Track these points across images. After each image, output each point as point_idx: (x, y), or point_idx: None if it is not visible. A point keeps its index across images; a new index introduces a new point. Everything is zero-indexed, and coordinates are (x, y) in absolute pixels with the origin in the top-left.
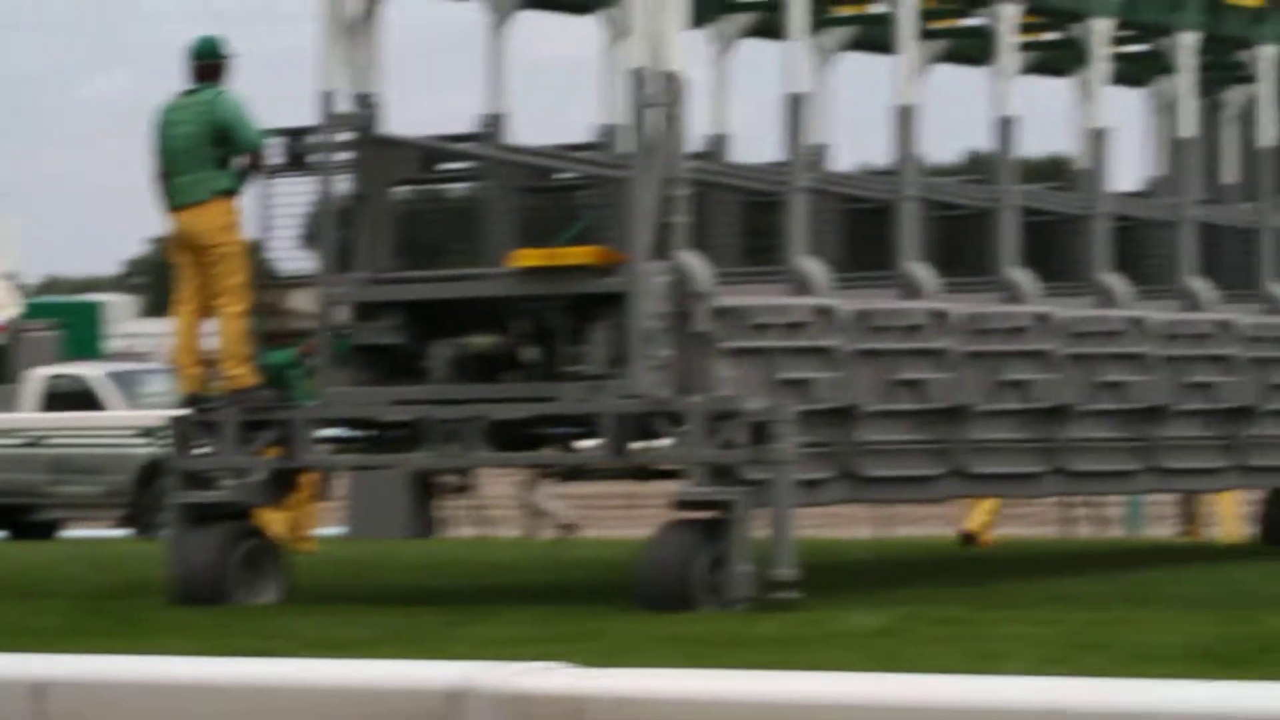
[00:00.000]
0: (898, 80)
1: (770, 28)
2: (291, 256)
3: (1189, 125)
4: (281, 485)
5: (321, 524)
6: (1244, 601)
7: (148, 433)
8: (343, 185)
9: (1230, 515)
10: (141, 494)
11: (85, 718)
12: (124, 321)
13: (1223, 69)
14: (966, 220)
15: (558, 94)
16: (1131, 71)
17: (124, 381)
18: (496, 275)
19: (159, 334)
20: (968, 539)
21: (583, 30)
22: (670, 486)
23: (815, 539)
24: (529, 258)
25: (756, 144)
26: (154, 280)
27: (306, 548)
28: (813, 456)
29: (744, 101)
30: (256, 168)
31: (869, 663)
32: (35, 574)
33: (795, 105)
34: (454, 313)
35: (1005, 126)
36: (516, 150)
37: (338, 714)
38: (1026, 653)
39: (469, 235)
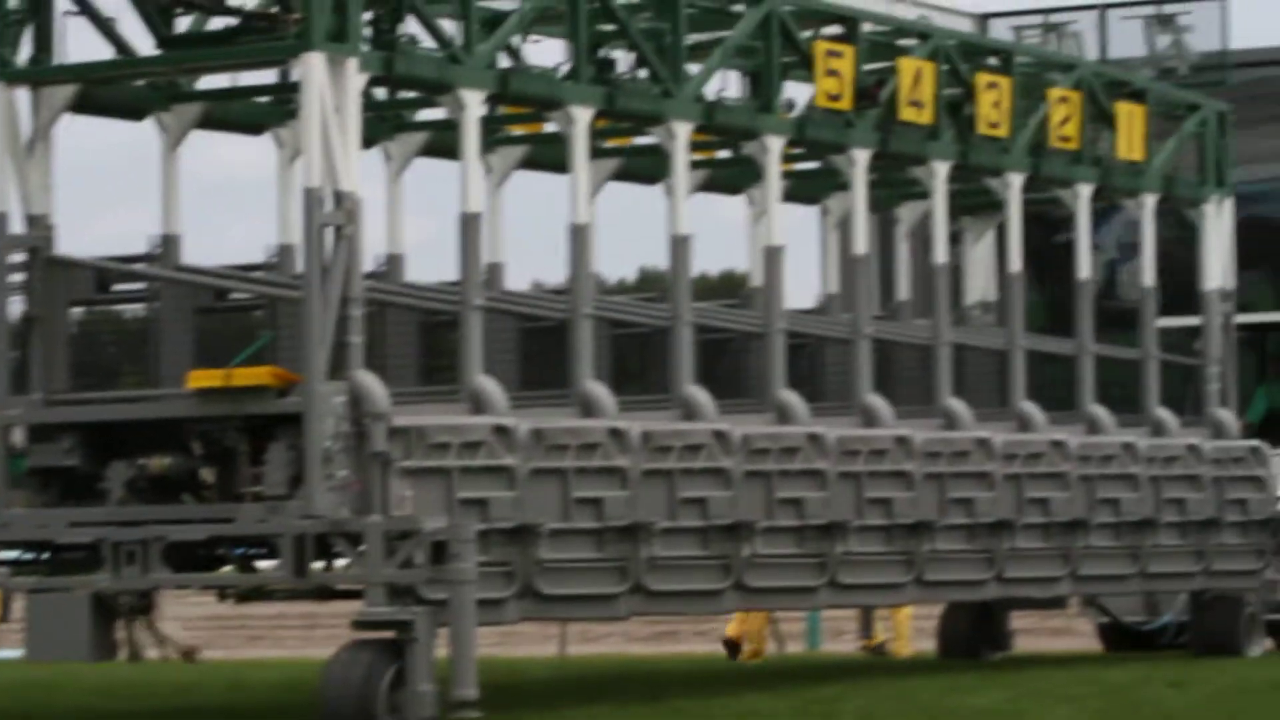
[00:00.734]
0: (571, 199)
1: (444, 147)
2: None
3: (862, 242)
4: None
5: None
6: (923, 715)
7: None
8: (16, 307)
9: (907, 629)
10: None
11: None
12: None
13: (895, 185)
14: (643, 338)
15: (232, 214)
16: (805, 189)
17: None
18: (173, 396)
19: None
20: (731, 646)
21: (257, 151)
22: (351, 606)
23: (495, 658)
24: (205, 379)
25: (432, 263)
26: None
27: None
28: (493, 575)
29: (418, 220)
30: None
31: None
32: None
33: (469, 224)
34: (131, 434)
35: (679, 244)
36: (191, 271)
37: None
38: None
39: (145, 356)
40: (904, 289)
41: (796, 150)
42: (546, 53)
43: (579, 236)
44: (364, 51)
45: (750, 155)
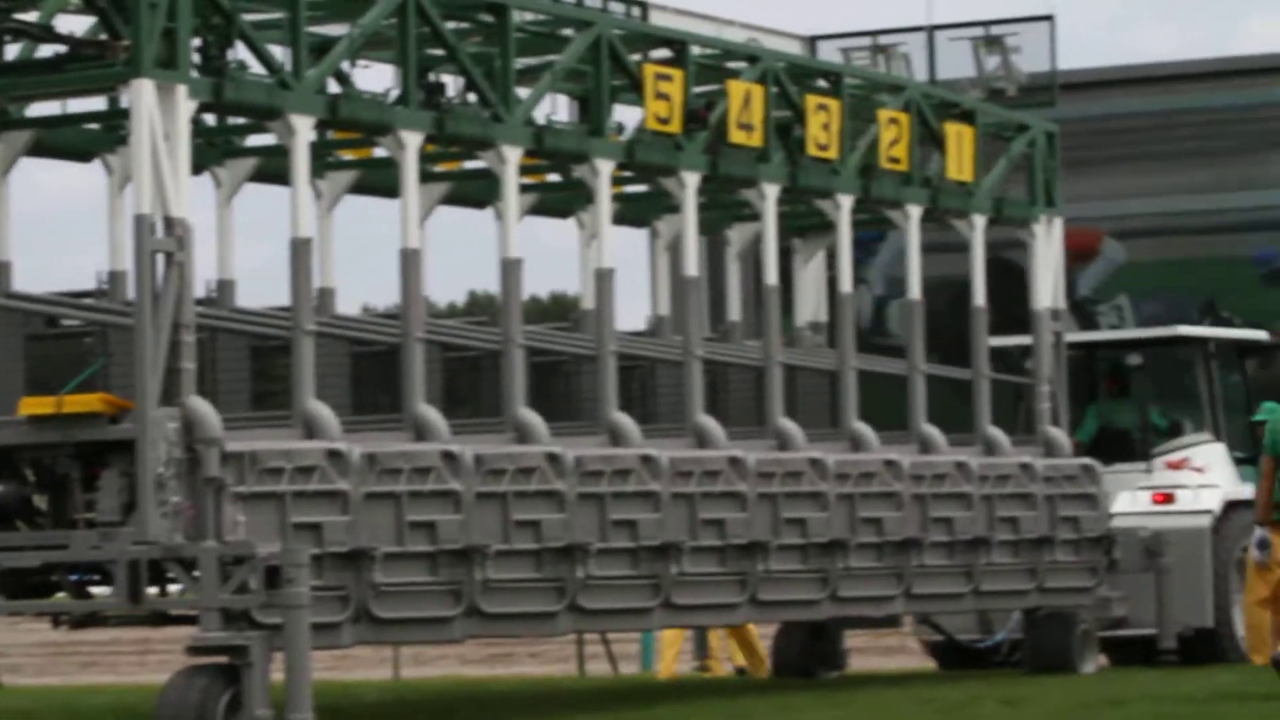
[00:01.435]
0: (402, 223)
1: (274, 172)
2: None
3: (692, 264)
4: None
5: None
6: None
7: None
8: None
9: (742, 649)
10: None
11: None
12: None
13: (725, 207)
14: (474, 361)
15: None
16: (635, 211)
17: None
18: (4, 423)
19: None
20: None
21: (87, 177)
22: (185, 631)
23: (330, 681)
24: (37, 406)
25: (263, 288)
26: None
27: None
28: (327, 599)
29: (249, 246)
30: None
31: None
32: None
33: (299, 249)
34: None
35: (510, 267)
36: (21, 298)
37: None
38: None
39: None
40: (735, 310)
41: (626, 173)
42: (376, 78)
43: (409, 261)
44: (193, 78)
45: (580, 178)
